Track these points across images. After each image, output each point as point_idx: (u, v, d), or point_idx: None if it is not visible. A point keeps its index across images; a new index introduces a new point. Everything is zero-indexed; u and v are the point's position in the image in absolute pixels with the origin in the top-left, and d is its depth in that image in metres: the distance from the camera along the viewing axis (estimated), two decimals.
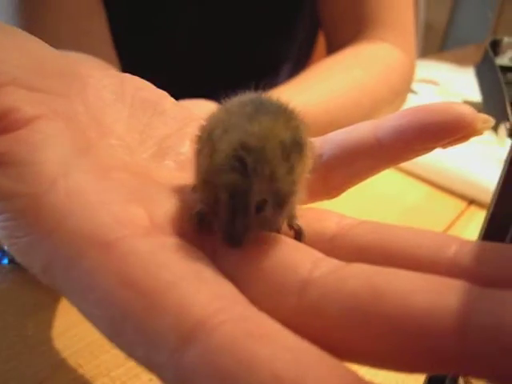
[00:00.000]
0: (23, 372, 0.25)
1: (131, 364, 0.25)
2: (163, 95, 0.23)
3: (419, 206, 0.47)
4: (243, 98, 0.18)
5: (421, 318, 0.12)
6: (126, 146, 0.20)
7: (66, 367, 0.26)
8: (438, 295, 0.13)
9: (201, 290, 0.13)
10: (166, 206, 0.17)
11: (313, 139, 0.20)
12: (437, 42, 2.30)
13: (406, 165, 0.51)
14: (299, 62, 0.69)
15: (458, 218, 0.45)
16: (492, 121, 0.18)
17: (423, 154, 0.20)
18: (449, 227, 0.44)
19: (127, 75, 0.23)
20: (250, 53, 0.61)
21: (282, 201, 0.17)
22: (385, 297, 0.13)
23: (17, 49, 0.18)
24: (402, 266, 0.14)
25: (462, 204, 0.47)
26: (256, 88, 0.19)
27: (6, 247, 0.31)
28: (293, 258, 0.16)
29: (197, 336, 0.12)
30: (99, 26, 0.46)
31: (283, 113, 0.17)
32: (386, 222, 0.18)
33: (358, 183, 0.21)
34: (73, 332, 0.27)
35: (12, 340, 0.26)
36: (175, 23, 0.56)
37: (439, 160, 0.50)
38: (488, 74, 0.67)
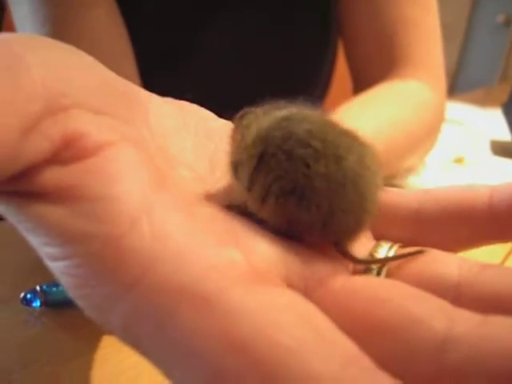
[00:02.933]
0: None
1: None
2: (227, 125, 0.22)
3: None
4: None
5: None
6: (197, 178, 0.18)
7: None
8: None
9: (327, 357, 0.11)
10: (263, 245, 0.15)
11: (413, 192, 0.19)
12: (447, 85, 2.32)
13: None
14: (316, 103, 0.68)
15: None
16: None
17: None
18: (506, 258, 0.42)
19: (186, 103, 0.22)
20: (268, 93, 0.60)
21: None
22: None
23: (79, 67, 0.16)
24: None
25: None
26: None
27: (38, 288, 0.29)
28: (421, 308, 0.13)
29: None
30: (126, 60, 0.46)
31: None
32: None
33: (456, 251, 0.18)
34: None
35: None
36: (196, 52, 0.56)
37: None
38: None
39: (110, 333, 0.14)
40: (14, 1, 0.45)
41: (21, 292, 0.29)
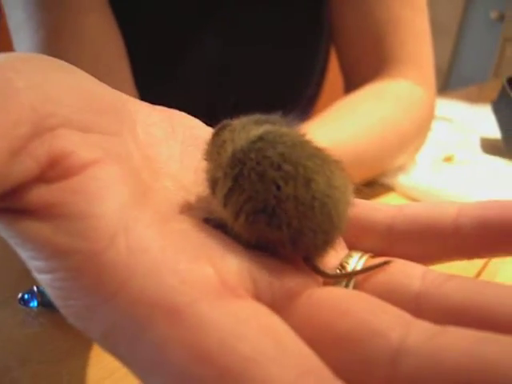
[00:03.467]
0: None
1: None
2: None
3: None
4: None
5: None
6: (180, 188, 0.19)
7: None
8: None
9: (284, 366, 0.12)
10: (234, 260, 0.16)
11: (388, 207, 0.20)
12: (440, 82, 2.35)
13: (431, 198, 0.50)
14: (305, 108, 0.69)
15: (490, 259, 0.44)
16: None
17: (506, 256, 0.18)
18: (483, 268, 0.42)
19: (175, 111, 0.23)
20: (261, 94, 0.61)
21: None
22: (496, 372, 0.12)
23: (68, 86, 0.17)
24: (499, 331, 0.13)
25: None
26: None
27: (35, 289, 0.30)
28: (380, 320, 0.14)
29: None
30: (122, 66, 0.47)
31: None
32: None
33: (425, 265, 0.19)
34: (109, 380, 0.25)
35: None
36: (190, 57, 0.57)
37: (466, 193, 0.49)
38: (506, 111, 0.67)
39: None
40: (9, 5, 0.45)
41: (18, 293, 0.30)
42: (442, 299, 0.16)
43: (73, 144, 0.15)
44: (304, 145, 0.18)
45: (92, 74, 0.19)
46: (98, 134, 0.17)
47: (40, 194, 0.15)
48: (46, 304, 0.30)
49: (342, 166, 0.18)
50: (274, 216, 0.16)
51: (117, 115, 0.18)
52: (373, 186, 0.52)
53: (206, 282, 0.15)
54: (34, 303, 0.30)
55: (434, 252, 0.19)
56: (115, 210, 0.15)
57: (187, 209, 0.18)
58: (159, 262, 0.14)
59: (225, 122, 0.19)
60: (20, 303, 0.30)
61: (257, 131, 0.18)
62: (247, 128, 0.18)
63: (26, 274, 0.32)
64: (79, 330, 0.15)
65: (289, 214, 0.16)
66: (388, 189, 0.53)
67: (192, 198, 0.19)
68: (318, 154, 0.17)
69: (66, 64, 0.18)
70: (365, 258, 0.19)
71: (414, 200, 0.51)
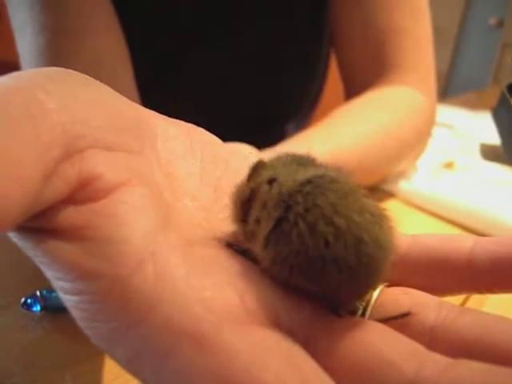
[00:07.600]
0: None
1: None
2: (233, 151, 0.23)
3: None
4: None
5: None
6: (201, 207, 0.19)
7: None
8: None
9: None
10: (258, 289, 0.16)
11: (403, 237, 0.20)
12: (439, 87, 2.35)
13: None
14: (303, 118, 0.69)
15: None
16: None
17: None
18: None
19: (192, 125, 0.23)
20: (261, 104, 0.61)
21: None
22: None
23: (94, 104, 0.17)
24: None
25: None
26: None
27: (38, 293, 0.30)
28: (395, 352, 0.15)
29: None
30: (124, 69, 0.47)
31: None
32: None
33: (437, 295, 0.19)
34: None
35: None
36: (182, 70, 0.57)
37: (466, 199, 0.49)
38: (506, 117, 0.67)
39: None
40: (12, 4, 0.45)
41: (21, 297, 0.30)
42: (457, 333, 0.16)
43: (101, 166, 0.16)
44: (354, 193, 0.17)
45: (95, 78, 0.19)
46: (123, 152, 0.17)
47: (68, 216, 0.15)
48: (48, 308, 0.30)
49: (390, 221, 0.17)
50: (318, 274, 0.16)
51: (139, 131, 0.19)
52: (374, 192, 0.52)
53: (231, 310, 0.15)
54: (37, 308, 0.30)
55: (446, 284, 0.19)
56: (142, 236, 0.15)
57: (208, 231, 0.19)
58: (185, 289, 0.15)
59: (259, 161, 0.19)
60: (23, 308, 0.30)
61: (305, 174, 0.17)
62: (293, 168, 0.18)
63: (28, 278, 0.33)
64: (83, 335, 0.15)
65: (333, 275, 0.16)
66: (389, 195, 0.53)
67: (213, 220, 0.20)
68: (368, 207, 0.17)
69: (90, 79, 0.18)
70: (380, 287, 0.19)
71: (415, 206, 0.51)
